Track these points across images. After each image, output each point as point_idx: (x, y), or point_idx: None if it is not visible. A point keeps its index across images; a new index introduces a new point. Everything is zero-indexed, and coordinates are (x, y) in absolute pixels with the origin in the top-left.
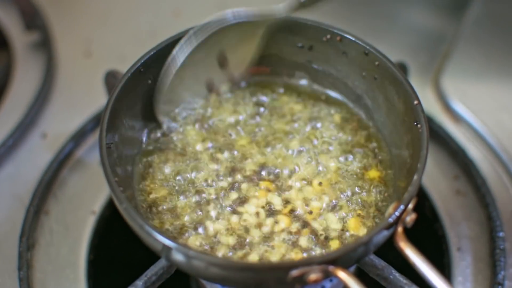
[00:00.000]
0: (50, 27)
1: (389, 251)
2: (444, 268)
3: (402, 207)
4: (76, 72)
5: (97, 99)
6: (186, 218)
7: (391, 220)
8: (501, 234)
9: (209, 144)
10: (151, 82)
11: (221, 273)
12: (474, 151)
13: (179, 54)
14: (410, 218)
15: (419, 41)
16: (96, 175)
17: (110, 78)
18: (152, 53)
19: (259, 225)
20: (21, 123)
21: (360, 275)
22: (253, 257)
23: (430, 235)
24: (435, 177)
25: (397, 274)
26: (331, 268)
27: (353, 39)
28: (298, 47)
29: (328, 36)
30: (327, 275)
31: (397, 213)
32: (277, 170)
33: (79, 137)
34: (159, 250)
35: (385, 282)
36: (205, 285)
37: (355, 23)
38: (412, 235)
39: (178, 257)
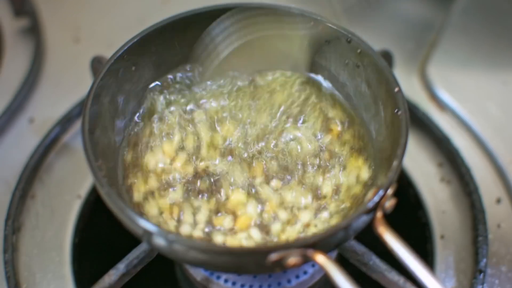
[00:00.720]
0: (39, 13)
1: (371, 237)
2: (427, 255)
3: (381, 192)
4: (65, 57)
5: (85, 84)
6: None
7: (370, 205)
8: (484, 222)
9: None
10: (134, 69)
11: (201, 257)
12: (459, 139)
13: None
14: (389, 203)
15: (406, 30)
16: (82, 160)
17: (96, 63)
18: (135, 39)
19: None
20: (9, 108)
21: (341, 261)
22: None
23: (413, 222)
24: (420, 164)
25: (377, 260)
26: (309, 252)
27: (335, 27)
28: None
29: (312, 23)
30: (306, 260)
31: (376, 198)
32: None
33: (65, 122)
34: (140, 234)
35: (365, 268)
36: (188, 269)
37: (340, 11)
38: (395, 222)
39: (158, 241)
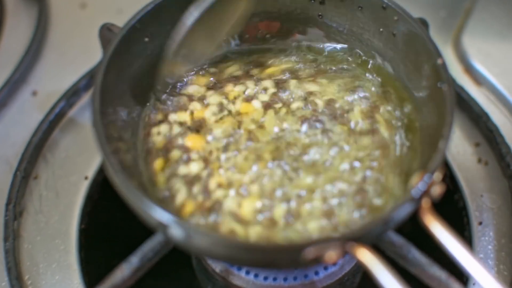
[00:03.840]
0: None
1: (406, 226)
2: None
3: (427, 177)
4: (70, 25)
5: (92, 54)
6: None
7: (415, 193)
8: None
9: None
10: (148, 40)
11: (226, 253)
12: (498, 116)
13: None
14: (437, 190)
15: None
16: (90, 137)
17: (105, 31)
18: (149, 8)
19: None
20: (10, 80)
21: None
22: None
23: (449, 208)
24: (455, 144)
25: (416, 253)
26: (349, 245)
27: None
28: (308, 1)
29: None
30: (345, 253)
31: (422, 185)
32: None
33: (71, 95)
34: (156, 226)
35: (403, 261)
36: (206, 259)
37: None
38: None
39: (178, 233)
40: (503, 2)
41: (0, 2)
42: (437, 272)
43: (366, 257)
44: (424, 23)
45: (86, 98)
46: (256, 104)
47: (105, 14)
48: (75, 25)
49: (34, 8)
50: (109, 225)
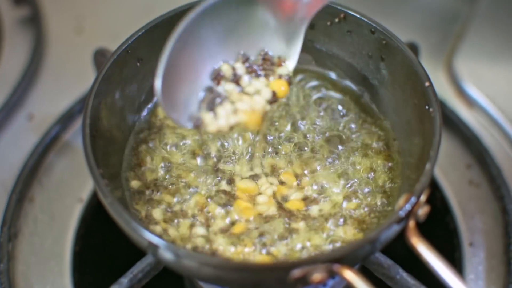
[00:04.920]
0: (39, 2)
1: (395, 248)
2: (455, 264)
3: (413, 199)
4: (66, 50)
5: (87, 79)
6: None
7: (402, 213)
8: None
9: None
10: (140, 65)
11: (216, 273)
12: (489, 139)
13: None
14: (422, 211)
15: (431, 20)
16: (84, 161)
17: (99, 56)
18: (140, 33)
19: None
20: (7, 103)
21: (363, 273)
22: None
23: (440, 229)
24: (447, 166)
25: (404, 274)
26: (336, 267)
27: (358, 16)
28: None
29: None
30: (332, 275)
31: (408, 206)
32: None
33: (66, 119)
34: (145, 247)
35: (391, 282)
36: (197, 281)
37: (362, 1)
38: (421, 228)
39: (167, 256)
40: (494, 25)
41: None
42: None
43: (352, 278)
44: (413, 47)
45: (80, 122)
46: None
47: (101, 39)
48: (71, 50)
49: (31, 33)
50: (103, 247)
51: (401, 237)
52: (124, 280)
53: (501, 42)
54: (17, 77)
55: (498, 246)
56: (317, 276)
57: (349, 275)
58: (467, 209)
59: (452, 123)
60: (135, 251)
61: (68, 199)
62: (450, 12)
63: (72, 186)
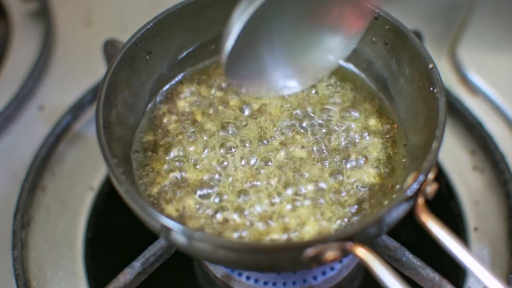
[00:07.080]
0: None
1: (401, 233)
2: None
3: (422, 177)
4: (75, 41)
5: (97, 69)
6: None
7: (410, 191)
8: None
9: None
10: (149, 57)
11: (230, 256)
12: (492, 125)
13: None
14: (431, 188)
15: (435, 9)
16: (95, 149)
17: (109, 47)
18: (149, 26)
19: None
20: (18, 95)
21: None
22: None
23: (445, 214)
24: (451, 152)
25: (410, 256)
26: (348, 245)
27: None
28: None
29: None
30: (345, 253)
31: (416, 184)
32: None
33: (77, 109)
34: (159, 231)
35: (398, 264)
36: (207, 265)
37: None
38: None
39: (181, 239)
40: (498, 13)
41: (7, 20)
42: (431, 274)
43: (365, 255)
44: (417, 35)
45: (91, 111)
46: None
47: (110, 30)
48: (80, 41)
49: (41, 25)
50: (114, 233)
51: (407, 221)
52: (137, 264)
53: (504, 30)
54: (28, 69)
55: (502, 231)
56: (330, 254)
57: (362, 252)
58: (472, 194)
59: (456, 110)
60: (146, 238)
61: (79, 187)
62: (454, 1)
63: (83, 175)
